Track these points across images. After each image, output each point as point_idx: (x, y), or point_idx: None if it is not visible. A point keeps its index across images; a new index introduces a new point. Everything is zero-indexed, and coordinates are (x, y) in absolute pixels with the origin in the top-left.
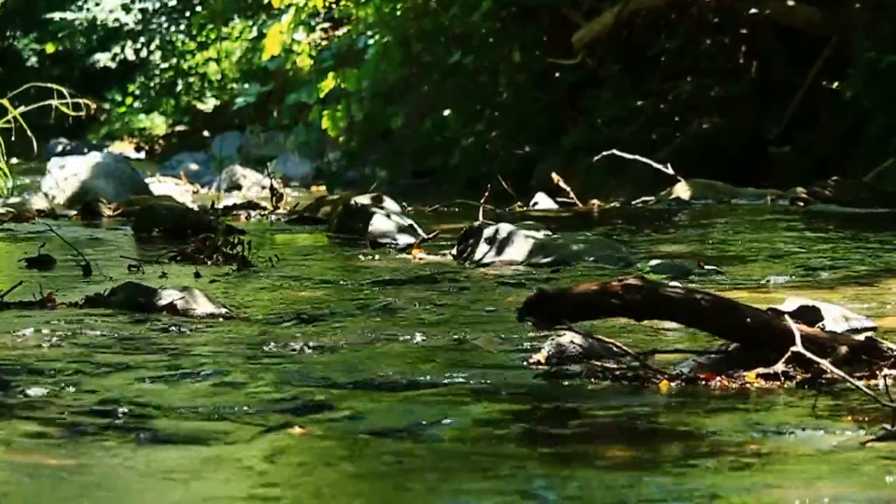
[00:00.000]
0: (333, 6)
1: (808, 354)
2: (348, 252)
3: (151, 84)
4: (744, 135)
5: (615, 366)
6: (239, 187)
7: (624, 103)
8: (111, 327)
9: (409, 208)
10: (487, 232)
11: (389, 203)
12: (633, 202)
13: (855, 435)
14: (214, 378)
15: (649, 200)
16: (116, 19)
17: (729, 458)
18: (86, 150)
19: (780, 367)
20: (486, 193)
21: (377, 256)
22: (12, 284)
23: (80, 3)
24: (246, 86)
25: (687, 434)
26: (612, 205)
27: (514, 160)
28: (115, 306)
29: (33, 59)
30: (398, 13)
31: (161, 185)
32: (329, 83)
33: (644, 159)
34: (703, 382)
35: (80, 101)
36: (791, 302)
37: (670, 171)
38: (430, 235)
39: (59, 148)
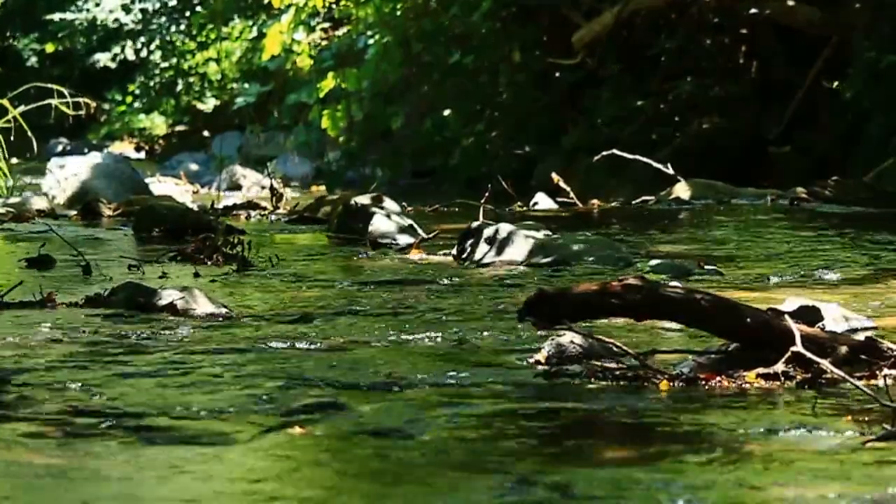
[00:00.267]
0: (333, 6)
1: (808, 354)
2: (348, 252)
3: (151, 84)
4: (744, 135)
5: (615, 366)
6: (239, 187)
7: (624, 103)
8: (111, 327)
9: (409, 208)
10: (487, 232)
11: (389, 203)
12: (633, 202)
13: (855, 435)
14: (214, 378)
15: (649, 200)
16: (116, 19)
17: (729, 457)
18: (86, 150)
19: (780, 367)
20: (486, 193)
21: (377, 256)
22: (12, 284)
23: (80, 3)
24: (246, 86)
25: (687, 434)
26: (612, 205)
27: (514, 160)
28: (115, 306)
29: (33, 59)
30: (398, 13)
31: (161, 185)
32: (329, 83)
33: (644, 159)
34: (703, 382)
35: (80, 100)
36: (791, 302)
37: (670, 171)
38: (430, 235)
39: (59, 148)
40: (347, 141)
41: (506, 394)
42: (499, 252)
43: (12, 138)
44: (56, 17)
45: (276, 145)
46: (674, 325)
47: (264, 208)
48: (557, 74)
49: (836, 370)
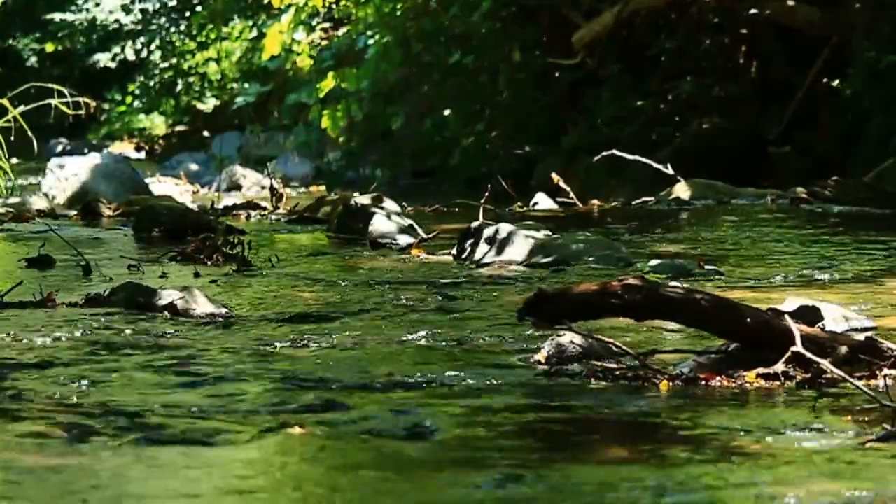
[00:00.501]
0: (333, 6)
1: (808, 354)
2: (348, 252)
3: (151, 84)
4: (744, 135)
5: (615, 366)
6: (239, 187)
7: (624, 103)
8: (111, 327)
9: (409, 208)
10: (487, 232)
11: (389, 203)
12: (633, 202)
13: (855, 435)
14: (214, 378)
15: (649, 200)
16: (116, 20)
17: (729, 457)
18: (86, 150)
19: (780, 367)
20: (486, 193)
21: (377, 256)
22: (12, 284)
23: (80, 4)
24: (246, 86)
25: (687, 434)
26: (612, 205)
27: (514, 160)
28: (115, 306)
29: (33, 59)
30: (398, 13)
31: (161, 185)
32: (329, 83)
33: (644, 159)
34: (703, 382)
35: (80, 100)
36: (791, 302)
37: (670, 171)
38: (430, 235)
39: (59, 148)
40: (347, 141)
41: (506, 394)
42: (499, 252)
43: (12, 138)
44: (56, 17)
45: (276, 145)
46: (674, 325)
47: (264, 208)
48: (557, 74)
49: (836, 370)
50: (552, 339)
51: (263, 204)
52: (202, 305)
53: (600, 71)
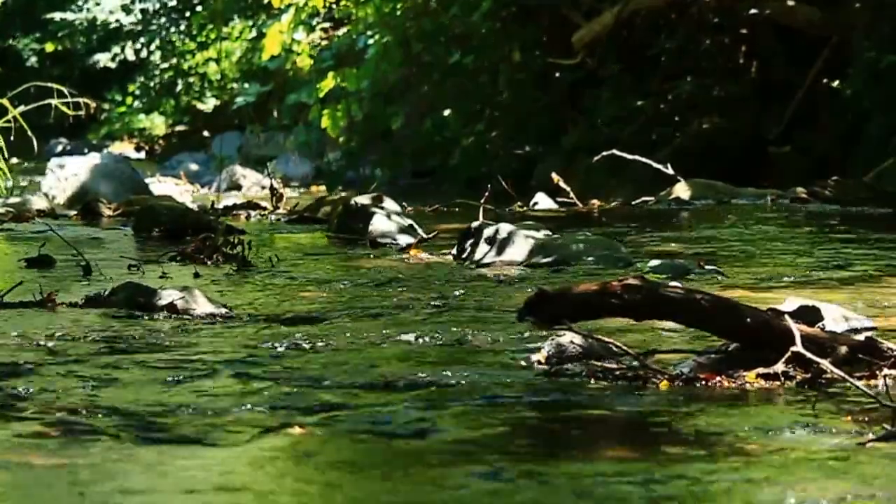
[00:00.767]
0: (333, 6)
1: (808, 354)
2: (348, 252)
3: (151, 84)
4: (744, 135)
5: (615, 366)
6: (239, 187)
7: (624, 103)
8: (111, 327)
9: (409, 208)
10: (487, 232)
11: (389, 203)
12: (633, 202)
13: (855, 435)
14: (214, 378)
15: (649, 200)
16: (116, 20)
17: (728, 457)
18: (86, 150)
19: (780, 367)
20: (486, 193)
21: (377, 256)
22: (12, 284)
23: (80, 3)
24: (246, 86)
25: (687, 434)
26: (612, 205)
27: (514, 160)
28: (115, 306)
29: (33, 59)
30: (398, 13)
31: (161, 185)
32: (329, 83)
33: (644, 159)
34: (703, 382)
35: (80, 100)
36: (791, 302)
37: (670, 171)
38: (430, 235)
39: (59, 148)
40: (347, 141)
41: (505, 393)
42: (499, 252)
43: (12, 138)
44: (56, 16)
45: (276, 145)
46: (674, 325)
47: (264, 208)
48: (557, 74)
49: (836, 370)
50: (552, 339)
51: (263, 204)
52: (202, 305)
53: (600, 71)
